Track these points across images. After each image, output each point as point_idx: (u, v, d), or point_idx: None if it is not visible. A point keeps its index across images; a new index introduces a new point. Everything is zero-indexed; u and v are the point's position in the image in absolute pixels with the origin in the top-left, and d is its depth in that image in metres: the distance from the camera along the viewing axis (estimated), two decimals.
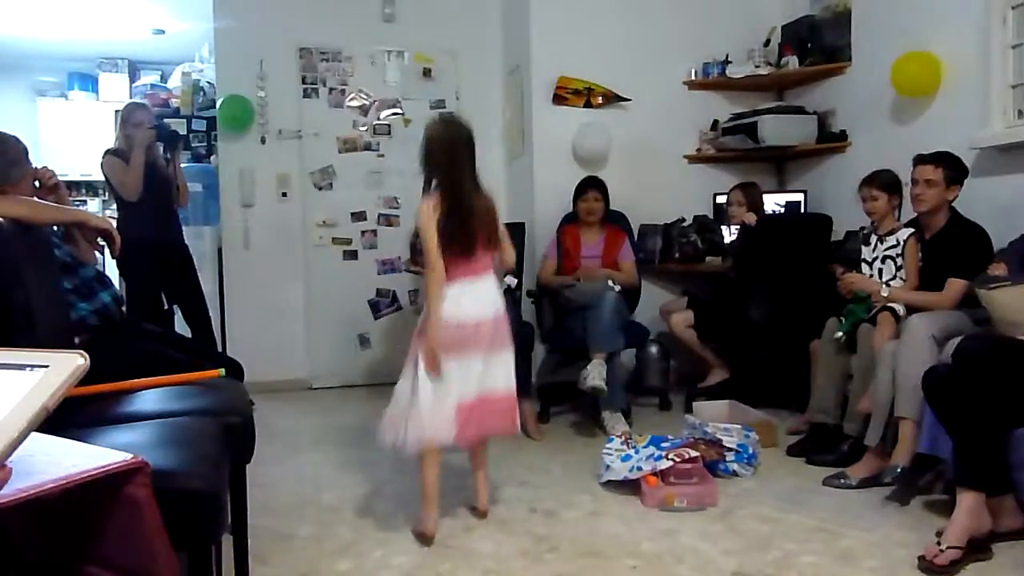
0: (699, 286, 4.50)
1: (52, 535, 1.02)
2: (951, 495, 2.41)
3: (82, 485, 0.88)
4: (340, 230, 5.03)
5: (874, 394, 2.92)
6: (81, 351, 0.91)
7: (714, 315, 4.14)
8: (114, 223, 4.19)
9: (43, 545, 1.02)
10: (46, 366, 0.91)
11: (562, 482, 3.03)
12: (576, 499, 2.85)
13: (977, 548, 2.26)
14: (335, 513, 2.77)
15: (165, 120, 4.87)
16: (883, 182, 3.28)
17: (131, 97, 6.19)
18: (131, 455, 0.97)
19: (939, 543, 2.22)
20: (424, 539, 2.47)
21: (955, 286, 3.02)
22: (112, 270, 4.32)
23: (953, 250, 3.08)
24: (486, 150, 5.06)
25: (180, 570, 1.04)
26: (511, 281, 3.55)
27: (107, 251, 2.14)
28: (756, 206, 4.19)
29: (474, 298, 2.53)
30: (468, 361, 2.51)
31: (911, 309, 3.08)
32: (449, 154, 2.53)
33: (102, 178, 4.24)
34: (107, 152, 4.09)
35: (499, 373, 2.58)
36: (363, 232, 5.07)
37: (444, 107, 5.12)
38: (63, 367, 0.89)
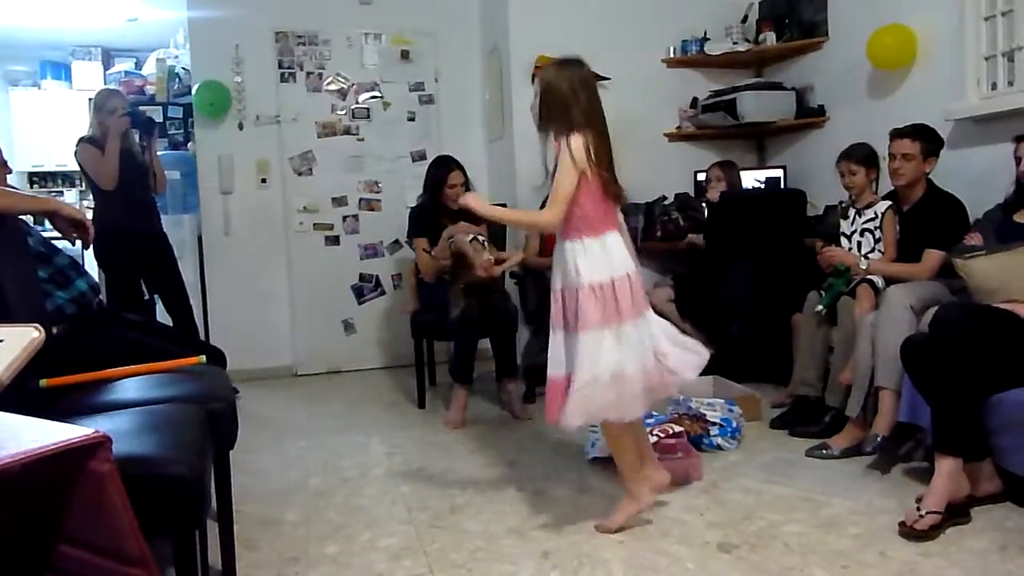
0: (680, 263, 4.52)
1: (17, 513, 1.01)
2: (931, 462, 2.45)
3: (43, 460, 0.88)
4: (321, 216, 5.01)
5: (855, 365, 2.96)
6: (36, 325, 0.90)
7: (693, 291, 4.16)
8: (90, 213, 4.18)
9: (9, 523, 1.02)
10: (0, 340, 0.90)
11: (549, 460, 3.05)
12: (563, 476, 2.87)
13: (956, 512, 2.30)
14: (322, 498, 2.78)
15: (140, 107, 4.81)
16: (860, 156, 3.30)
17: (106, 85, 6.10)
18: (92, 430, 0.96)
19: (919, 509, 2.26)
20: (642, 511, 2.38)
21: (932, 257, 3.06)
22: (91, 261, 4.29)
23: (930, 222, 3.11)
24: (467, 131, 5.10)
25: (150, 548, 1.04)
26: None
27: (79, 242, 2.10)
28: (734, 184, 4.22)
29: (627, 250, 2.36)
30: (641, 319, 2.32)
31: (890, 281, 3.11)
32: (588, 93, 2.32)
33: (78, 168, 4.19)
34: (81, 140, 4.03)
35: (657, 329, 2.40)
36: (345, 217, 5.04)
37: (423, 89, 5.09)
38: (18, 341, 0.88)
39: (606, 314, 2.25)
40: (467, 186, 3.93)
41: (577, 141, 2.27)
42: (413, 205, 4.27)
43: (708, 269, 4.12)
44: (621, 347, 2.26)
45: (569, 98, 2.30)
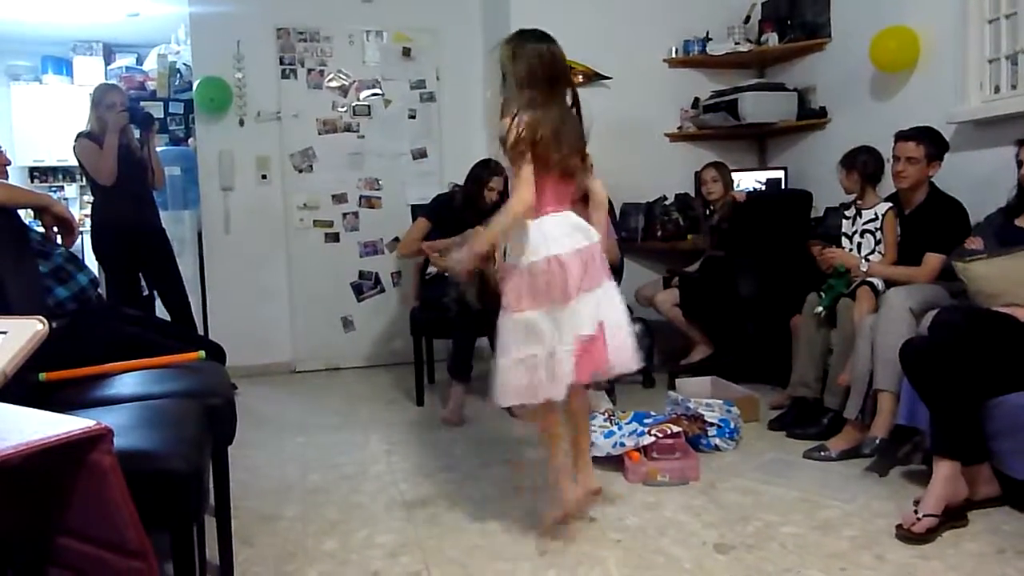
0: (681, 264, 4.51)
1: (18, 504, 1.01)
2: (928, 465, 2.45)
3: (45, 452, 0.88)
4: (321, 212, 5.00)
5: (853, 367, 2.96)
6: (40, 317, 0.90)
7: (701, 292, 4.14)
8: (90, 209, 4.18)
9: (10, 515, 1.02)
10: (4, 332, 0.90)
11: (547, 459, 3.04)
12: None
13: (953, 516, 2.30)
14: (321, 494, 2.78)
15: (141, 103, 4.81)
16: (850, 161, 3.37)
17: (107, 80, 6.09)
18: (93, 422, 0.96)
19: (916, 511, 2.27)
20: (567, 518, 2.33)
21: (933, 260, 3.06)
22: (89, 257, 4.28)
23: (931, 224, 3.11)
24: (468, 130, 5.09)
25: (150, 541, 1.04)
26: None
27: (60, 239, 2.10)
28: (728, 185, 4.22)
29: (569, 227, 2.27)
30: (575, 303, 2.22)
31: (890, 283, 3.11)
32: (544, 68, 2.26)
33: (76, 163, 4.19)
34: (80, 135, 4.03)
35: (611, 305, 2.30)
36: (344, 214, 5.04)
37: (424, 87, 5.09)
38: (22, 333, 0.88)
39: (535, 296, 2.21)
40: (504, 195, 3.96)
41: (510, 120, 2.20)
42: (413, 203, 4.28)
43: (717, 269, 4.10)
44: (547, 329, 2.20)
45: (520, 74, 2.25)
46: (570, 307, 2.22)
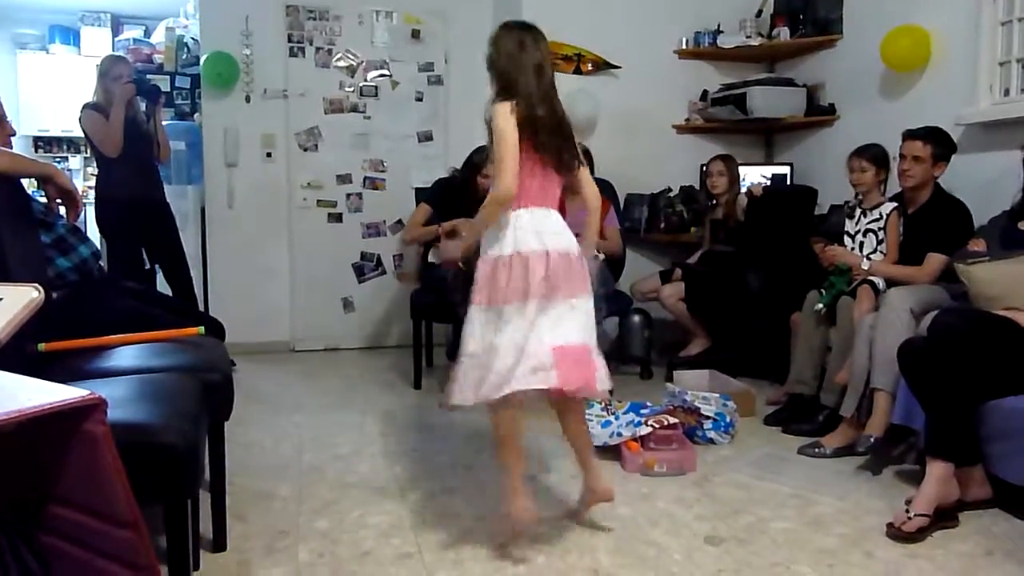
0: (683, 257, 4.50)
1: (11, 471, 1.02)
2: (922, 465, 2.46)
3: (39, 420, 0.88)
4: (325, 192, 4.99)
5: (851, 366, 2.96)
6: (36, 284, 0.90)
7: (707, 287, 4.12)
8: (94, 180, 4.16)
9: (3, 482, 1.02)
10: (0, 299, 0.90)
11: (543, 446, 3.05)
12: (556, 463, 2.87)
13: (944, 516, 2.31)
14: (315, 474, 2.79)
15: (147, 76, 4.79)
16: (872, 154, 3.30)
17: (114, 52, 6.06)
18: (88, 392, 0.96)
19: (908, 511, 2.27)
20: (514, 536, 2.17)
21: (935, 261, 3.06)
22: (92, 228, 4.28)
23: (934, 225, 3.11)
24: (474, 114, 5.06)
25: (142, 512, 1.05)
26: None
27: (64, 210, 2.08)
28: (735, 178, 4.20)
29: (550, 226, 2.17)
30: (553, 301, 2.12)
31: (891, 282, 3.11)
32: (533, 60, 2.17)
33: (82, 133, 4.18)
34: (86, 106, 4.02)
35: (576, 321, 2.16)
36: (348, 195, 5.03)
37: (432, 70, 5.06)
38: (17, 299, 0.88)
39: (498, 290, 2.11)
40: None
41: (502, 107, 2.12)
42: (417, 186, 4.27)
43: (725, 263, 4.08)
44: (509, 324, 2.09)
45: (506, 63, 2.18)
46: (535, 308, 2.10)
